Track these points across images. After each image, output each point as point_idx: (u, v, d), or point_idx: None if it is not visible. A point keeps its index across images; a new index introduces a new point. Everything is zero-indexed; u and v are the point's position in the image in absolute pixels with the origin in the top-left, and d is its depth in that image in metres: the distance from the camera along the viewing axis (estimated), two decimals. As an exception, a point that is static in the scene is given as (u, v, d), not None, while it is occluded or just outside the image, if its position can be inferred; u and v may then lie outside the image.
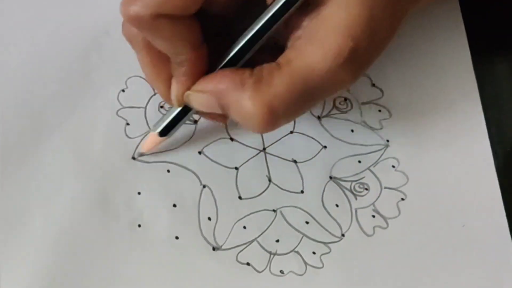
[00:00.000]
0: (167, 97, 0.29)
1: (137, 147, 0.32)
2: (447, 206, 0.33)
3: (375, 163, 0.33)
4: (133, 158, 0.32)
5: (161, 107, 0.33)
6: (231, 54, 0.27)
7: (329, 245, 0.32)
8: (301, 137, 0.33)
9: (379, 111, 0.34)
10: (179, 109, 0.29)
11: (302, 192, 0.33)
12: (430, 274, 0.32)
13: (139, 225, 0.31)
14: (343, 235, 0.32)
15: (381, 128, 0.34)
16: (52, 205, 0.31)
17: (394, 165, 0.33)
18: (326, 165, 0.33)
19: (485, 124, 0.34)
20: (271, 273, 0.31)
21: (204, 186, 0.32)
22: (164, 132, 0.30)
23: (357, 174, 0.33)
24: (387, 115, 0.34)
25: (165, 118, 0.30)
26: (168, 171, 0.32)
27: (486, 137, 0.34)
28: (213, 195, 0.32)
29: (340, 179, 0.33)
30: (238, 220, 0.32)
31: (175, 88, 0.28)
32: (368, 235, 0.32)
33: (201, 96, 0.27)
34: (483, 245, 0.32)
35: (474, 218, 0.33)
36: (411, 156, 0.33)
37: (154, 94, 0.33)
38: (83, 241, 0.31)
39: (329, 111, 0.34)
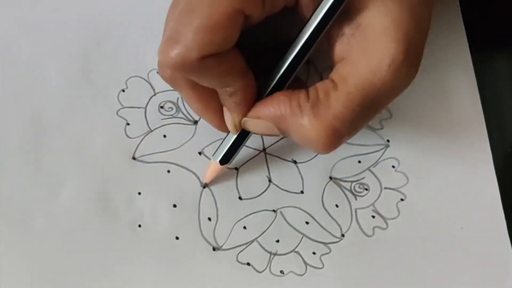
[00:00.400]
0: (221, 127, 0.29)
1: (137, 147, 0.32)
2: (447, 207, 0.33)
3: (375, 163, 0.33)
4: (133, 158, 0.32)
5: (161, 107, 0.33)
6: (281, 72, 0.27)
7: (329, 245, 0.32)
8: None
9: (379, 111, 0.34)
10: (236, 135, 0.29)
11: (302, 192, 0.33)
12: (429, 274, 0.32)
13: (139, 225, 0.31)
14: (343, 235, 0.32)
15: (381, 128, 0.34)
16: (52, 205, 0.31)
17: (394, 165, 0.33)
18: (326, 166, 0.33)
19: (485, 124, 0.34)
20: (271, 273, 0.31)
21: (204, 187, 0.32)
22: (225, 160, 0.30)
23: (357, 174, 0.33)
24: (387, 115, 0.34)
25: (224, 145, 0.30)
26: (168, 171, 0.32)
27: (486, 137, 0.34)
28: (213, 195, 0.32)
29: (340, 179, 0.33)
30: (238, 220, 0.32)
31: (231, 118, 0.28)
32: (368, 236, 0.32)
33: (259, 122, 0.27)
34: (481, 247, 0.32)
35: (473, 219, 0.33)
36: (411, 156, 0.33)
37: (154, 94, 0.33)
38: (83, 241, 0.31)
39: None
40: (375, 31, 0.25)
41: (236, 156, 0.30)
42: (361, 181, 0.33)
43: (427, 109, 0.34)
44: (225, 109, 0.28)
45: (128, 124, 0.32)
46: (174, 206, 0.32)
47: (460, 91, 0.34)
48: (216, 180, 0.32)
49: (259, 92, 0.27)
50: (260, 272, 0.31)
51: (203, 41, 0.24)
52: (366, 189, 0.33)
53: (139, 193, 0.32)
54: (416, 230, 0.32)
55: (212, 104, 0.28)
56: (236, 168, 0.33)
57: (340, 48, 0.26)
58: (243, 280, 0.31)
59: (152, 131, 0.32)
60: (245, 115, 0.27)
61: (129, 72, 0.33)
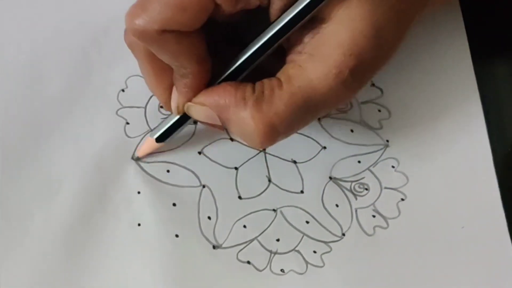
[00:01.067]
0: (167, 104, 0.29)
1: (137, 147, 0.32)
2: (447, 207, 0.33)
3: (375, 163, 0.33)
4: (133, 158, 0.32)
5: (161, 107, 0.33)
6: (234, 67, 0.27)
7: (330, 244, 0.32)
8: (301, 137, 0.33)
9: (379, 110, 0.34)
10: (177, 116, 0.29)
11: (302, 192, 0.33)
12: (429, 274, 0.32)
13: (139, 224, 0.31)
14: (343, 234, 0.32)
15: (380, 128, 0.34)
16: (52, 205, 0.31)
17: (394, 165, 0.33)
18: (326, 166, 0.33)
19: (485, 124, 0.34)
20: (272, 271, 0.31)
21: (204, 186, 0.32)
22: (161, 138, 0.30)
23: (357, 174, 0.33)
24: (386, 114, 0.34)
25: (163, 124, 0.30)
26: (168, 171, 0.32)
27: (486, 137, 0.34)
28: (212, 195, 0.32)
29: (340, 179, 0.33)
30: (238, 219, 0.32)
31: (176, 98, 0.28)
32: (368, 235, 0.32)
33: (202, 108, 0.27)
34: (482, 246, 0.32)
35: (473, 218, 0.33)
36: (411, 156, 0.33)
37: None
38: (83, 240, 0.31)
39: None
40: (333, 41, 0.25)
41: (173, 137, 0.30)
42: (361, 181, 0.33)
43: (427, 109, 0.34)
44: (174, 89, 0.28)
45: (128, 123, 0.33)
46: (174, 205, 0.32)
47: (460, 91, 0.34)
48: (214, 179, 0.32)
49: (210, 81, 0.27)
50: (260, 271, 0.31)
51: (167, 15, 0.24)
52: (366, 189, 0.33)
53: (139, 193, 0.32)
54: (416, 229, 0.32)
55: (164, 80, 0.28)
56: (236, 168, 0.33)
57: (294, 52, 0.27)
58: (243, 279, 0.31)
59: (152, 130, 0.32)
60: (190, 99, 0.27)
61: (129, 72, 0.33)
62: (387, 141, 0.34)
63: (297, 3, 0.25)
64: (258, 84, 0.26)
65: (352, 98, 0.27)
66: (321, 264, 0.32)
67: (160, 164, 0.32)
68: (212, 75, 0.27)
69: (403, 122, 0.34)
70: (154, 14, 0.24)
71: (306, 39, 0.26)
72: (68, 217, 0.31)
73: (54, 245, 0.31)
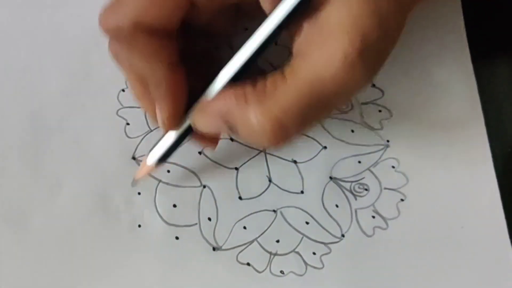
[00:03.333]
0: (154, 119, 0.28)
1: (137, 147, 0.32)
2: (447, 207, 0.33)
3: (375, 163, 0.33)
4: (133, 158, 0.32)
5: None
6: (231, 73, 0.25)
7: (329, 245, 0.32)
8: (301, 137, 0.33)
9: (379, 111, 0.34)
10: (172, 138, 0.28)
11: (302, 192, 0.33)
12: (429, 275, 0.32)
13: (139, 225, 0.31)
14: (343, 235, 0.32)
15: (381, 128, 0.34)
16: (52, 205, 0.31)
17: (394, 165, 0.33)
18: (326, 166, 0.33)
19: (485, 125, 0.34)
20: (271, 273, 0.31)
21: (204, 187, 0.32)
22: (161, 161, 0.29)
23: (357, 174, 0.33)
24: (387, 115, 0.34)
25: (159, 146, 0.28)
26: (168, 171, 0.32)
27: (486, 138, 0.34)
28: (213, 195, 0.32)
29: (340, 179, 0.33)
30: (238, 221, 0.32)
31: (159, 113, 0.27)
32: (368, 236, 0.32)
33: (208, 119, 0.26)
34: (482, 246, 0.32)
35: (473, 219, 0.33)
36: (411, 157, 0.33)
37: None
38: (83, 241, 0.31)
39: (329, 111, 0.34)
40: (331, 24, 0.23)
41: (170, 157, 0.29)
42: (361, 181, 0.33)
43: (426, 109, 0.34)
44: (156, 107, 0.27)
45: (128, 124, 0.32)
46: (174, 206, 0.32)
47: (460, 92, 0.34)
48: (214, 179, 0.32)
49: (206, 90, 0.26)
50: (260, 272, 0.31)
51: (140, 12, 0.24)
52: (366, 189, 0.33)
53: (139, 193, 0.32)
54: (416, 230, 0.32)
55: (148, 92, 0.27)
56: (236, 168, 0.33)
57: (296, 42, 0.25)
58: (243, 280, 0.31)
59: (152, 131, 0.32)
60: (171, 111, 0.26)
61: (129, 72, 0.33)
62: (388, 141, 0.34)
63: None
64: (260, 81, 0.24)
65: (367, 85, 0.24)
66: (321, 266, 0.32)
67: (160, 164, 0.32)
68: (200, 88, 0.26)
69: (403, 123, 0.34)
70: (126, 10, 0.24)
71: (305, 25, 0.24)
72: (68, 218, 0.31)
73: (54, 245, 0.31)
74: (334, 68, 0.23)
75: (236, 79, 0.25)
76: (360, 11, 0.23)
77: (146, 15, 0.24)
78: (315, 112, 0.24)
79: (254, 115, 0.23)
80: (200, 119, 0.26)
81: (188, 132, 0.27)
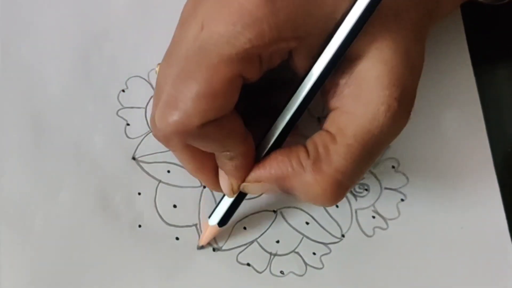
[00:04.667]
0: (215, 187, 0.28)
1: (137, 147, 0.32)
2: (447, 207, 0.33)
3: (375, 164, 0.33)
4: (133, 158, 0.32)
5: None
6: (277, 134, 0.26)
7: (329, 245, 0.32)
8: (302, 138, 0.33)
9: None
10: (233, 199, 0.29)
11: (302, 192, 0.33)
12: (429, 275, 0.32)
13: (139, 225, 0.31)
14: (343, 235, 0.32)
15: (381, 129, 0.34)
16: (52, 205, 0.31)
17: (394, 165, 0.33)
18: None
19: (485, 125, 0.34)
20: (271, 273, 0.31)
21: (204, 187, 0.32)
22: (223, 223, 0.30)
23: (357, 174, 0.33)
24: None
25: (221, 208, 0.29)
26: (168, 171, 0.32)
27: (486, 137, 0.34)
28: (213, 195, 0.32)
29: (340, 179, 0.33)
30: (238, 221, 0.32)
31: (227, 182, 0.27)
32: (368, 236, 0.32)
33: (260, 185, 0.27)
34: (482, 247, 0.32)
35: (473, 219, 0.33)
36: (411, 157, 0.33)
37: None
38: (83, 241, 0.31)
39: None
40: (368, 78, 0.25)
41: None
42: (361, 181, 0.33)
43: (427, 110, 0.34)
44: (221, 172, 0.28)
45: (128, 124, 0.32)
46: (174, 206, 0.32)
47: (460, 91, 0.34)
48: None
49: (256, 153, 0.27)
50: (260, 273, 0.31)
51: (203, 108, 0.23)
52: (366, 190, 0.33)
53: (139, 193, 0.32)
54: (416, 230, 0.32)
55: (207, 165, 0.28)
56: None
57: (333, 97, 0.26)
58: (243, 281, 0.31)
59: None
60: (243, 179, 0.27)
61: (129, 72, 0.33)
62: (388, 141, 0.34)
63: (325, 51, 0.25)
64: (310, 145, 0.26)
65: (404, 127, 0.26)
66: (321, 266, 0.32)
67: (160, 164, 0.32)
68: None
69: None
70: (188, 110, 0.23)
71: (342, 80, 0.25)
72: (68, 218, 0.31)
73: (54, 245, 0.31)
74: (380, 121, 0.24)
75: (281, 142, 0.27)
76: (393, 61, 0.24)
77: (210, 110, 0.23)
78: (367, 164, 0.26)
79: (315, 181, 0.25)
80: (253, 186, 0.27)
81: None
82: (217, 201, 0.30)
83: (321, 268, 0.32)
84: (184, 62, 0.24)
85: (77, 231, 0.31)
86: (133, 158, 0.32)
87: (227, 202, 0.29)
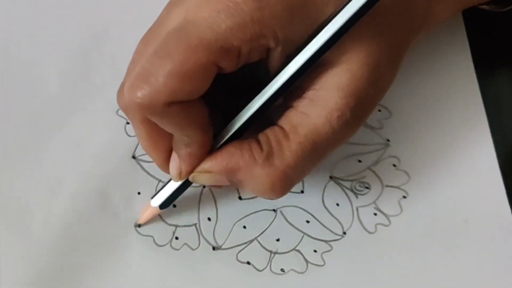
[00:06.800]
0: (164, 168, 0.28)
1: (137, 146, 0.32)
2: (449, 204, 0.33)
3: (375, 162, 0.33)
4: (133, 157, 0.32)
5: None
6: (234, 129, 0.26)
7: (331, 243, 0.32)
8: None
9: (379, 110, 0.34)
10: (179, 183, 0.28)
11: (302, 192, 0.33)
12: (432, 271, 0.31)
13: (139, 225, 0.31)
14: (344, 233, 0.32)
15: (381, 128, 0.34)
16: (52, 205, 0.31)
17: (395, 164, 0.33)
18: (326, 165, 0.33)
19: (487, 121, 0.34)
20: (272, 271, 0.31)
21: (204, 187, 0.32)
22: (164, 205, 0.30)
23: (357, 173, 0.33)
24: (387, 114, 0.34)
25: (165, 191, 0.29)
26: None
27: (488, 133, 0.34)
28: (213, 195, 0.32)
29: (340, 178, 0.33)
30: (238, 220, 0.32)
31: (177, 166, 0.27)
32: (370, 233, 0.32)
33: (210, 175, 0.27)
34: (486, 243, 0.32)
35: (476, 215, 0.32)
36: (412, 155, 0.33)
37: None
38: (83, 240, 0.31)
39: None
40: (329, 84, 0.25)
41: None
42: (361, 180, 0.33)
43: (427, 108, 0.34)
44: (174, 155, 0.27)
45: (128, 123, 0.33)
46: (174, 206, 0.32)
47: (461, 90, 0.34)
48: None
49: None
50: (260, 271, 0.31)
51: (173, 87, 0.23)
52: (367, 188, 0.33)
53: (139, 193, 0.32)
54: (418, 227, 0.32)
55: (161, 144, 0.27)
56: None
57: (292, 96, 0.26)
58: (243, 279, 0.31)
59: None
60: (194, 168, 0.27)
61: (128, 71, 0.33)
62: (388, 140, 0.34)
63: (297, 57, 0.25)
64: (263, 139, 0.26)
65: (354, 134, 0.27)
66: (322, 263, 0.31)
67: (160, 164, 0.32)
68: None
69: (404, 122, 0.34)
70: (159, 86, 0.23)
71: (305, 84, 0.26)
72: (68, 217, 0.31)
73: (54, 245, 0.30)
74: (331, 125, 0.25)
75: (239, 136, 0.27)
76: (360, 74, 0.25)
77: (179, 91, 0.23)
78: (314, 162, 0.27)
79: (265, 174, 0.26)
80: (202, 176, 0.27)
81: None
82: (164, 186, 0.29)
83: (322, 265, 0.31)
84: (163, 40, 0.24)
85: (77, 230, 0.31)
86: (133, 157, 0.32)
87: (172, 186, 0.29)
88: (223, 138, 0.27)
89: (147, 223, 0.31)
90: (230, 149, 0.26)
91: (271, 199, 0.27)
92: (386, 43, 0.26)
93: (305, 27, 0.25)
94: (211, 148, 0.27)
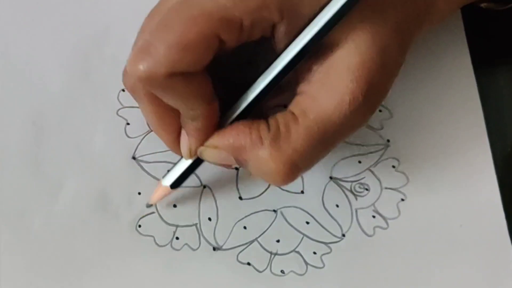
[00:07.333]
0: (175, 148, 0.28)
1: (137, 147, 0.32)
2: (447, 207, 0.33)
3: (375, 163, 0.33)
4: (133, 158, 0.32)
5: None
6: (244, 105, 0.26)
7: (330, 245, 0.32)
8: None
9: (380, 111, 0.34)
10: (190, 161, 0.28)
11: (302, 192, 0.33)
12: (429, 274, 0.32)
13: (139, 225, 0.31)
14: (343, 235, 0.32)
15: (381, 128, 0.34)
16: (52, 205, 0.31)
17: (394, 165, 0.33)
18: (326, 166, 0.33)
19: (485, 124, 0.34)
20: (272, 273, 0.31)
21: (204, 187, 0.32)
22: (175, 185, 0.29)
23: (357, 174, 0.33)
24: (387, 115, 0.34)
25: (176, 170, 0.29)
26: (168, 171, 0.32)
27: (486, 137, 0.34)
28: (213, 195, 0.32)
29: (340, 179, 0.33)
30: (239, 220, 0.32)
31: (187, 143, 0.27)
32: (368, 235, 0.32)
33: (216, 151, 0.26)
34: (482, 246, 0.32)
35: (473, 218, 0.33)
36: (412, 156, 0.33)
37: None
38: (83, 241, 0.31)
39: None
40: (339, 67, 0.25)
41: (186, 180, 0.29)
42: (361, 181, 0.33)
43: (427, 110, 0.34)
44: (183, 132, 0.27)
45: (128, 124, 0.32)
46: (174, 206, 0.32)
47: (460, 92, 0.34)
48: (215, 179, 0.32)
49: (220, 121, 0.27)
50: (260, 272, 0.31)
51: (173, 58, 0.23)
52: (367, 189, 0.33)
53: (139, 193, 0.32)
54: (416, 230, 0.32)
55: (169, 123, 0.27)
56: (237, 168, 0.32)
57: (303, 81, 0.26)
58: (244, 280, 0.31)
59: (152, 130, 0.32)
60: (203, 142, 0.27)
61: (129, 71, 0.33)
62: (388, 141, 0.34)
63: (303, 32, 0.25)
64: (272, 121, 0.26)
65: (365, 124, 0.26)
66: (321, 265, 0.32)
67: (161, 164, 0.32)
68: (219, 114, 0.27)
69: (404, 123, 0.34)
70: (159, 57, 0.23)
71: (314, 67, 0.25)
72: (68, 218, 0.31)
73: (54, 245, 0.31)
74: (342, 110, 0.25)
75: (247, 114, 0.26)
76: (369, 56, 0.25)
77: (180, 62, 0.23)
78: (323, 150, 0.26)
79: (270, 156, 0.25)
80: (209, 152, 0.27)
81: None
82: (175, 165, 0.29)
83: (321, 268, 0.32)
84: (165, 13, 0.24)
85: (77, 230, 0.31)
86: (133, 158, 0.32)
87: (183, 165, 0.29)
88: (232, 114, 0.26)
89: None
90: (239, 127, 0.26)
91: (277, 185, 0.27)
92: (392, 28, 0.25)
93: (312, 1, 0.24)
94: (220, 126, 0.26)
